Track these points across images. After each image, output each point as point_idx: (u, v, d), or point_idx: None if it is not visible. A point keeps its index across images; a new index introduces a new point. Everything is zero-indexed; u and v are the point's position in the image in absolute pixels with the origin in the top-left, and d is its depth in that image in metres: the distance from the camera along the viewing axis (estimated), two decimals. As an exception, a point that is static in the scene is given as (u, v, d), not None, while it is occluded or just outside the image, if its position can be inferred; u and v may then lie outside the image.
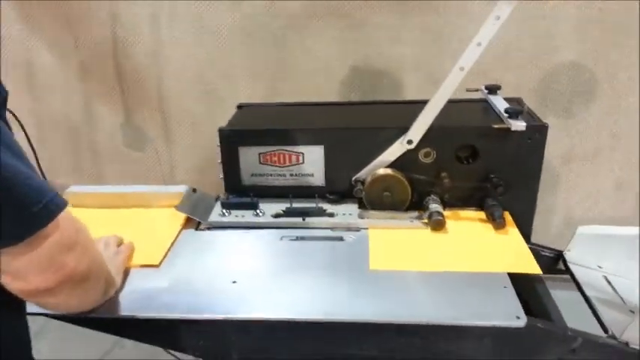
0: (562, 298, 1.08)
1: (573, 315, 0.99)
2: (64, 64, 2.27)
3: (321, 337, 0.90)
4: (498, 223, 1.09)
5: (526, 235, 1.18)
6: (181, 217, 1.13)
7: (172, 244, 1.06)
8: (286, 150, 1.16)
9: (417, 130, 1.11)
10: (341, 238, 1.08)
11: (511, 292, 0.90)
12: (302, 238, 1.08)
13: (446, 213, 1.16)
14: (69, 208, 0.65)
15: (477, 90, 1.32)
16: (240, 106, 1.36)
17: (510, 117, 1.11)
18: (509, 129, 1.09)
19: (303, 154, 1.17)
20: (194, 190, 1.20)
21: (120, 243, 1.00)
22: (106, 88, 2.25)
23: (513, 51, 1.78)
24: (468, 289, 0.92)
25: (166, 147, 2.30)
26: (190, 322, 0.89)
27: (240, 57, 2.12)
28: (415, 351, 0.89)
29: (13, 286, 0.61)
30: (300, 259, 1.02)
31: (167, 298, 0.91)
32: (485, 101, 1.26)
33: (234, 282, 0.94)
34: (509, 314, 0.85)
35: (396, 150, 1.14)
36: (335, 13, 2.04)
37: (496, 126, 1.10)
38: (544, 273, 1.30)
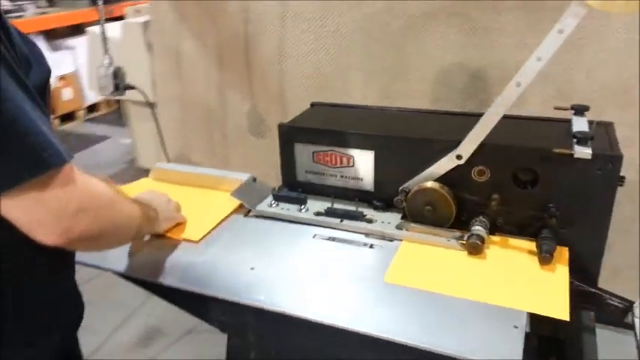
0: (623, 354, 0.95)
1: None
2: (205, 54, 2.56)
3: (314, 336, 0.93)
4: (543, 258, 0.99)
5: (591, 277, 1.06)
6: (236, 202, 1.24)
7: (218, 225, 1.17)
8: (338, 151, 1.20)
9: (467, 146, 1.06)
10: (371, 246, 1.09)
11: (519, 333, 0.83)
12: (333, 239, 1.11)
13: (494, 238, 1.09)
14: (89, 177, 0.78)
15: (565, 109, 1.20)
16: (313, 104, 1.42)
17: (578, 142, 1.00)
18: (572, 155, 0.98)
19: (353, 157, 1.19)
20: (254, 179, 1.30)
21: (179, 209, 1.17)
22: (238, 77, 2.49)
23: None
24: (475, 320, 0.87)
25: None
26: (209, 298, 0.99)
27: (358, 56, 2.18)
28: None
29: (38, 239, 0.75)
30: (323, 259, 1.05)
31: (195, 271, 1.03)
32: (568, 122, 1.14)
33: (252, 268, 1.02)
34: (504, 356, 0.78)
35: (445, 164, 1.10)
36: (457, 16, 1.99)
37: (557, 150, 1.00)
38: (607, 324, 1.15)
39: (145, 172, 1.53)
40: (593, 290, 1.05)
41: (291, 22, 2.26)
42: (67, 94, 4.69)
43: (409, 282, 0.96)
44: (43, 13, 4.66)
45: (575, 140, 1.01)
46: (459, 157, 1.08)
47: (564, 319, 0.87)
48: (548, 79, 1.87)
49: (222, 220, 1.19)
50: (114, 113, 4.91)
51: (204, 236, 1.13)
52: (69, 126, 4.78)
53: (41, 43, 4.50)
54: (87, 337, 2.19)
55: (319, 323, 0.89)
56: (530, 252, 1.04)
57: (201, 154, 2.81)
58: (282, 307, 0.92)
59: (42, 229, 0.72)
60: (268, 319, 0.97)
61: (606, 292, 1.07)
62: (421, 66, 2.09)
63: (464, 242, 1.05)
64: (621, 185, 1.05)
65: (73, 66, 4.75)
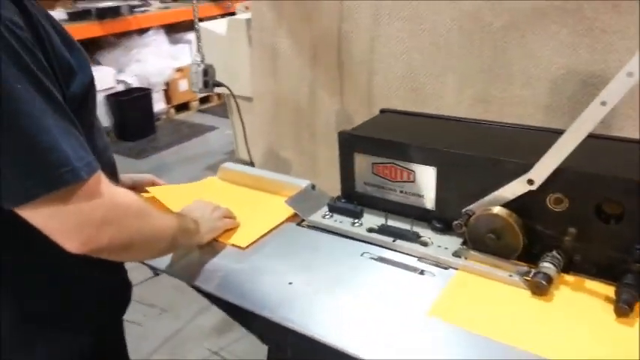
0: None
1: None
2: (300, 52, 2.58)
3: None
4: (619, 308, 0.84)
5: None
6: (292, 209, 1.22)
7: (269, 232, 1.15)
8: (398, 165, 1.12)
9: (540, 170, 0.93)
10: (422, 272, 1.00)
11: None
12: (382, 260, 1.04)
13: (567, 278, 0.95)
14: (116, 188, 0.80)
15: (675, 131, 1.01)
16: (382, 111, 1.35)
17: (679, 175, 0.83)
18: (667, 190, 0.82)
19: (415, 172, 1.10)
20: (313, 187, 1.26)
21: (229, 216, 1.16)
22: (329, 77, 2.47)
23: None
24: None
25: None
26: (244, 310, 0.98)
27: (454, 57, 2.05)
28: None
29: (63, 247, 0.78)
30: (367, 281, 0.99)
31: (234, 280, 1.02)
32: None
33: (290, 283, 0.99)
34: None
35: (515, 188, 0.97)
36: (570, 14, 1.79)
37: (648, 183, 0.84)
38: None
39: (245, 163, 1.59)
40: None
41: (385, 20, 2.18)
42: (183, 85, 5.02)
43: (455, 319, 0.87)
44: (167, 7, 5.03)
45: (675, 173, 0.84)
46: (530, 181, 0.95)
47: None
48: None
49: (275, 228, 1.17)
50: (223, 105, 5.17)
51: (253, 243, 1.12)
52: (183, 115, 5.13)
53: (161, 37, 4.86)
54: (169, 321, 2.34)
55: (345, 352, 0.83)
56: (608, 299, 0.88)
57: (290, 151, 2.84)
58: (311, 330, 0.88)
59: (64, 239, 0.75)
60: (305, 338, 0.94)
61: None
62: (525, 69, 1.90)
63: (528, 279, 0.93)
64: None
65: (189, 59, 5.07)
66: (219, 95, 5.27)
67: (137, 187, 1.22)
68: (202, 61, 1.98)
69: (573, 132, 0.89)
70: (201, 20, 4.50)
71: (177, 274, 1.07)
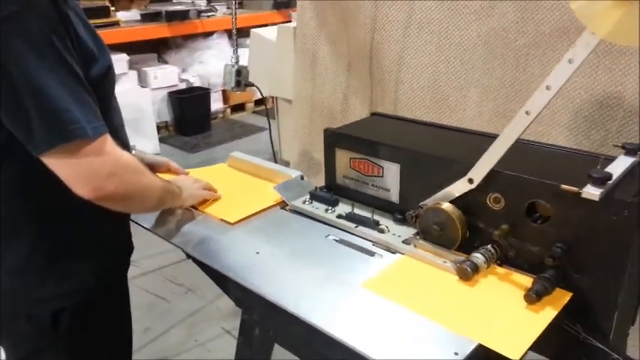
0: None
1: None
2: (337, 59, 2.77)
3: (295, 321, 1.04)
4: (527, 296, 0.95)
5: (601, 331, 0.98)
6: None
7: (258, 213, 1.34)
8: (370, 160, 1.28)
9: (478, 171, 1.06)
10: (373, 254, 1.15)
11: (456, 360, 0.84)
12: (342, 242, 1.20)
13: (499, 270, 1.07)
14: (120, 150, 1.02)
15: (621, 147, 1.11)
16: (373, 114, 1.51)
17: (593, 182, 0.93)
18: (579, 194, 0.92)
19: (383, 168, 1.26)
20: (302, 177, 1.44)
21: (209, 188, 1.40)
22: (361, 84, 2.65)
23: None
24: (423, 340, 0.90)
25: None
26: (221, 274, 1.17)
27: (477, 72, 2.16)
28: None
29: (75, 192, 1.01)
30: (323, 257, 1.15)
31: (213, 246, 1.22)
32: (611, 160, 1.05)
33: (257, 253, 1.17)
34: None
35: (459, 186, 1.10)
36: (590, 35, 1.86)
37: (564, 186, 0.95)
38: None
39: (285, 164, 1.75)
40: (599, 345, 0.97)
41: (414, 32, 2.33)
42: (240, 86, 5.35)
43: (382, 292, 1.02)
44: (231, 13, 5.38)
45: (590, 179, 0.94)
46: (470, 180, 1.08)
47: (513, 358, 0.84)
48: None
49: (264, 210, 1.36)
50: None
51: (241, 220, 1.31)
52: (238, 116, 5.46)
53: (225, 41, 5.21)
54: (193, 300, 2.61)
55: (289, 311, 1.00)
56: (526, 289, 1.00)
57: (322, 154, 3.03)
58: (265, 291, 1.05)
59: (77, 185, 0.98)
60: (263, 300, 1.11)
61: (616, 350, 0.98)
62: (543, 87, 1.99)
63: (458, 266, 1.06)
64: (650, 238, 0.95)
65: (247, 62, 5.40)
66: (274, 98, 5.56)
67: (151, 169, 1.45)
68: (237, 62, 2.22)
69: (504, 138, 1.01)
70: (263, 26, 4.81)
71: (169, 237, 1.28)
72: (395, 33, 2.38)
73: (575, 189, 0.93)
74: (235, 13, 2.23)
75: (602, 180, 0.92)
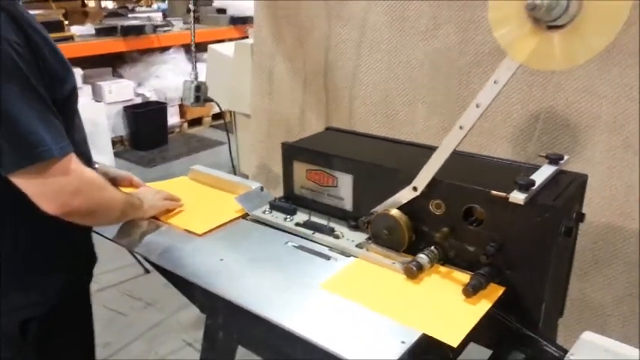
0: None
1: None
2: (293, 75, 2.88)
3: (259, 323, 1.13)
4: (464, 290, 1.08)
5: (531, 321, 1.12)
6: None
7: (223, 225, 1.42)
8: (325, 172, 1.38)
9: (422, 178, 1.19)
10: (328, 258, 1.26)
11: (402, 347, 0.95)
12: (301, 247, 1.30)
13: (442, 269, 1.20)
14: (84, 167, 1.09)
15: (545, 157, 1.26)
16: (327, 129, 1.62)
17: (519, 188, 1.07)
18: (507, 199, 1.06)
19: (337, 178, 1.37)
20: (262, 189, 1.54)
21: (171, 199, 1.47)
22: (317, 100, 2.77)
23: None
24: (377, 331, 1.00)
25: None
26: (186, 281, 1.24)
27: (424, 89, 2.32)
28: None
29: (43, 209, 1.06)
30: (284, 262, 1.25)
31: (176, 254, 1.29)
32: (536, 168, 1.20)
33: (221, 259, 1.25)
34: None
35: (405, 194, 1.23)
36: (526, 55, 2.04)
37: (494, 192, 1.08)
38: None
39: (244, 177, 1.82)
40: (529, 334, 1.11)
41: (366, 51, 2.47)
42: (197, 101, 5.40)
43: (339, 291, 1.12)
44: (188, 28, 5.45)
45: (516, 186, 1.08)
46: (415, 188, 1.20)
47: (452, 345, 0.96)
48: (614, 128, 1.84)
49: (230, 222, 1.44)
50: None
51: (209, 232, 1.38)
52: (195, 130, 5.49)
53: (181, 55, 5.26)
54: (153, 314, 2.63)
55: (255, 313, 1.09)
56: (464, 284, 1.12)
57: (280, 167, 3.12)
58: (229, 295, 1.14)
59: (45, 202, 1.04)
60: (229, 304, 1.19)
61: (546, 338, 1.11)
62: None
63: (405, 266, 1.17)
64: (569, 236, 1.10)
65: (204, 77, 5.46)
66: (232, 113, 5.63)
67: (114, 182, 1.51)
68: (196, 78, 2.29)
69: (442, 150, 1.14)
70: (220, 42, 4.88)
71: (130, 246, 1.34)
72: (348, 51, 2.52)
73: (503, 194, 1.07)
74: (194, 30, 2.31)
75: (526, 186, 1.06)
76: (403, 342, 0.97)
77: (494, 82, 1.03)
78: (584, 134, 1.95)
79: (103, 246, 1.39)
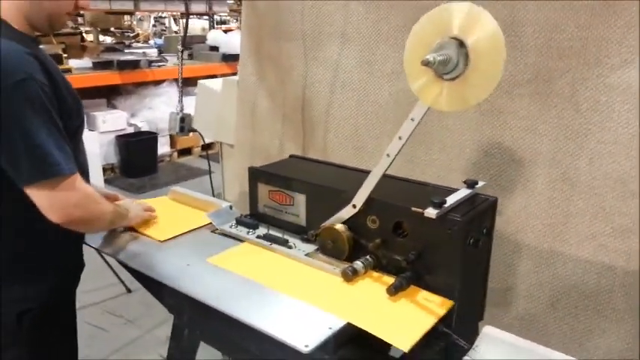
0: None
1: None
2: (274, 110, 3.16)
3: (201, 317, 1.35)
4: (388, 290, 1.31)
5: (448, 322, 1.34)
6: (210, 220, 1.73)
7: (185, 233, 1.66)
8: (284, 192, 1.63)
9: (359, 197, 1.43)
10: (281, 264, 1.49)
11: (328, 332, 1.17)
12: (259, 256, 1.54)
13: (375, 274, 1.43)
14: (85, 184, 1.34)
15: (464, 182, 1.51)
16: (291, 156, 1.88)
17: (433, 205, 1.31)
18: (422, 214, 1.31)
19: (294, 198, 1.61)
20: (230, 207, 1.78)
21: (150, 210, 1.72)
22: (295, 132, 3.03)
23: None
24: (312, 320, 1.23)
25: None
26: (159, 282, 1.47)
27: (390, 124, 2.59)
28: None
29: (48, 218, 1.30)
30: (242, 267, 1.48)
31: (147, 259, 1.52)
32: (453, 191, 1.45)
33: (188, 265, 1.49)
34: (305, 342, 1.14)
35: (347, 211, 1.47)
36: (476, 98, 2.31)
37: (414, 209, 1.33)
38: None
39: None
40: (444, 330, 1.33)
41: (339, 90, 2.75)
42: (187, 132, 5.69)
43: (287, 291, 1.35)
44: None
45: (432, 204, 1.33)
46: (354, 206, 1.45)
47: (374, 333, 1.19)
48: (554, 163, 2.09)
49: (191, 231, 1.68)
50: (222, 153, 5.80)
51: (170, 239, 1.62)
52: (184, 159, 5.76)
53: (174, 89, 5.57)
54: (132, 330, 2.83)
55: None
56: (389, 286, 1.36)
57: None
58: (192, 292, 1.36)
59: (51, 212, 1.29)
60: (197, 304, 1.42)
61: (458, 333, 1.34)
62: (442, 138, 2.42)
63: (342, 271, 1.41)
64: (476, 247, 1.34)
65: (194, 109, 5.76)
66: (219, 143, 5.91)
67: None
68: (181, 110, 2.56)
69: (374, 174, 1.39)
70: (212, 77, 5.18)
71: (111, 253, 1.58)
72: (323, 90, 2.80)
73: (420, 210, 1.31)
74: (182, 65, 2.60)
75: (439, 204, 1.31)
76: (330, 328, 1.19)
77: (412, 119, 1.29)
78: (527, 168, 2.19)
79: (88, 265, 1.62)
